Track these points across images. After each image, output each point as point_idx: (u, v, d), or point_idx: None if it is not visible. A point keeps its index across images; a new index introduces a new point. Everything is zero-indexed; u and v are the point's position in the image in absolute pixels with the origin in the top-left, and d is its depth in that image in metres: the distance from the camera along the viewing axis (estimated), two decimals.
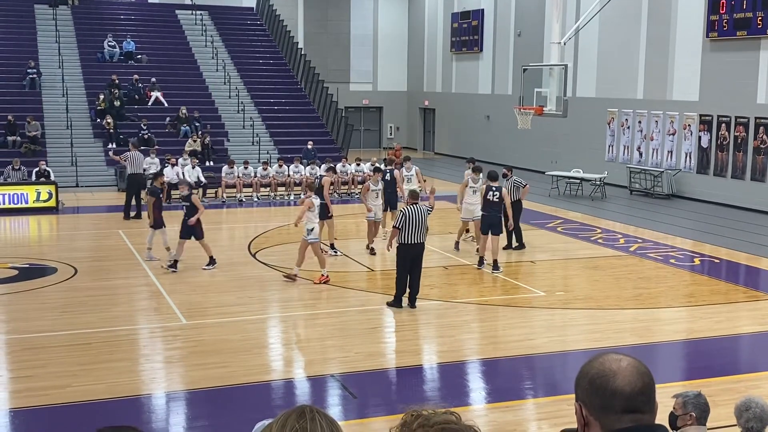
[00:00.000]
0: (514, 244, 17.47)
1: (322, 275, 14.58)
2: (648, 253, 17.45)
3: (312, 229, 14.52)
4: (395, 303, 12.91)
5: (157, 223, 16.16)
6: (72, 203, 23.36)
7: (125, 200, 21.24)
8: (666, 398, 5.32)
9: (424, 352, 11.49)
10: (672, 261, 16.79)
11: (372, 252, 16.92)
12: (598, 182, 25.68)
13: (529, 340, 11.62)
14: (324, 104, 32.41)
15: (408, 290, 12.96)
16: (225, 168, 24.73)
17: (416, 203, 13.01)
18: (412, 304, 12.95)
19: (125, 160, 21.73)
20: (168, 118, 29.15)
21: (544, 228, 20.16)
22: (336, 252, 16.90)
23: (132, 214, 21.03)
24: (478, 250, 16.21)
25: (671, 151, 25.71)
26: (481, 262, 15.70)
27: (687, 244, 18.68)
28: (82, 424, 8.67)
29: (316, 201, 14.88)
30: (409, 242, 12.73)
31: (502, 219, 15.67)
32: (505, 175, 17.51)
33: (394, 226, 12.98)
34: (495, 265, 15.50)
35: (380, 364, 10.65)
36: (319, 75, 33.46)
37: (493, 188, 15.56)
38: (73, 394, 9.23)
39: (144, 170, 24.50)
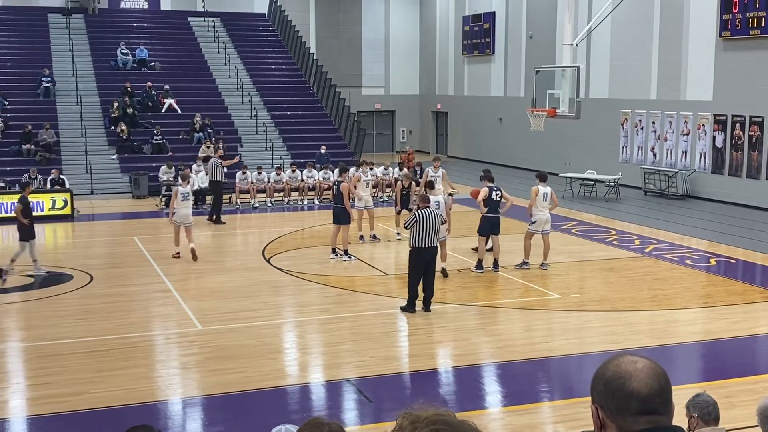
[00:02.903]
0: (490, 244, 16.99)
1: (176, 252, 17.10)
2: (663, 254, 17.37)
3: (173, 213, 17.12)
4: (409, 307, 12.89)
5: (28, 234, 15.78)
6: (87, 211, 23.49)
7: (212, 204, 22.09)
8: (682, 400, 5.30)
9: (439, 356, 11.48)
10: (688, 262, 16.71)
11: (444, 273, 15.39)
12: (612, 183, 25.59)
13: (545, 343, 11.59)
14: (336, 109, 32.46)
15: (423, 294, 12.95)
16: (238, 174, 24.82)
17: (428, 207, 13.04)
18: (427, 307, 12.94)
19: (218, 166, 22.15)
20: (182, 132, 29.26)
21: (559, 230, 20.09)
22: (350, 257, 16.90)
23: (213, 217, 21.72)
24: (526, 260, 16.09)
25: (685, 152, 25.59)
26: (480, 265, 15.66)
27: (702, 245, 18.58)
28: (100, 431, 8.72)
29: (184, 189, 17.28)
30: (423, 246, 12.73)
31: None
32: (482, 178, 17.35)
33: (404, 226, 12.99)
34: (495, 264, 15.68)
35: (395, 368, 10.64)
36: (331, 80, 33.51)
37: (494, 188, 15.59)
38: (91, 401, 9.28)
39: (159, 179, 24.78)
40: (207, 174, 23.02)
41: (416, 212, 12.97)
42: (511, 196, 16.59)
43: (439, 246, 15.59)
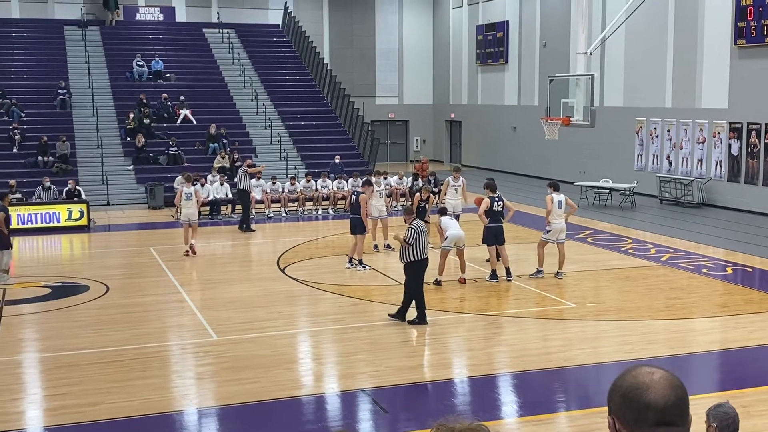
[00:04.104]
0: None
1: (186, 250, 18.49)
2: (680, 263, 17.28)
3: (179, 211, 19.30)
4: (421, 319, 12.81)
5: (4, 244, 15.96)
6: (103, 221, 23.61)
7: (242, 213, 22.39)
8: (700, 410, 5.27)
9: (454, 366, 11.45)
10: (704, 270, 16.61)
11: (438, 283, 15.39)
12: (627, 192, 25.49)
13: (561, 353, 11.53)
14: (350, 118, 32.54)
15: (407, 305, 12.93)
16: (252, 181, 24.93)
17: (415, 219, 13.20)
18: (423, 319, 12.89)
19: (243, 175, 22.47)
20: (197, 143, 29.41)
21: (574, 239, 20.02)
22: (364, 267, 16.91)
23: (243, 225, 21.98)
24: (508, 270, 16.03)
25: (701, 160, 25.47)
26: (494, 275, 15.65)
27: (719, 253, 18.47)
28: None
29: (188, 189, 18.89)
30: (423, 257, 12.76)
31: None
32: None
33: (406, 242, 12.86)
34: (508, 273, 15.66)
35: (410, 378, 10.61)
36: (345, 90, 33.61)
37: (495, 198, 15.60)
38: (107, 411, 9.30)
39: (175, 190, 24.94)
40: (223, 184, 23.28)
41: (414, 224, 12.97)
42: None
43: (458, 256, 15.67)
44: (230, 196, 24.53)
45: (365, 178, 18.63)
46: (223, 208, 24.59)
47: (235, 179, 23.47)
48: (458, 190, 19.06)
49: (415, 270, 12.79)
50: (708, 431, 5.32)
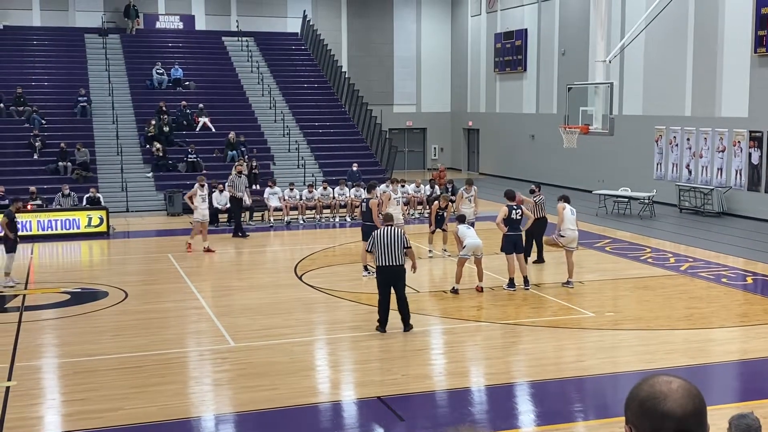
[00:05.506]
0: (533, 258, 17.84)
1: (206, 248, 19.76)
2: (699, 273, 17.16)
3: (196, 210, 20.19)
4: (379, 328, 12.80)
5: (10, 247, 16.40)
6: (122, 228, 23.75)
7: (234, 220, 22.65)
8: (719, 420, 5.23)
9: (471, 374, 11.41)
10: (724, 280, 16.48)
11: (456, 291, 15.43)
12: (646, 201, 25.36)
13: (579, 362, 11.48)
14: (368, 126, 32.60)
15: (399, 315, 12.86)
16: (267, 189, 25.00)
17: (390, 225, 13.09)
18: (405, 327, 12.80)
19: (231, 185, 22.54)
20: (216, 151, 29.54)
21: (593, 248, 19.95)
22: None
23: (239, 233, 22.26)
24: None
25: (721, 169, 25.31)
26: (511, 283, 15.58)
27: (739, 263, 18.33)
28: None
29: (201, 191, 20.26)
30: (383, 264, 12.64)
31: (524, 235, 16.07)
32: (532, 191, 17.83)
33: (367, 251, 12.88)
34: (526, 282, 15.61)
35: (427, 386, 10.59)
36: (363, 98, 33.68)
37: (514, 207, 15.57)
38: (125, 417, 9.34)
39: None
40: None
41: (374, 232, 12.99)
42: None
43: (475, 264, 15.62)
44: (248, 203, 24.55)
45: (368, 184, 18.66)
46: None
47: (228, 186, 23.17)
48: (471, 200, 19.24)
49: (377, 276, 12.81)
50: None
